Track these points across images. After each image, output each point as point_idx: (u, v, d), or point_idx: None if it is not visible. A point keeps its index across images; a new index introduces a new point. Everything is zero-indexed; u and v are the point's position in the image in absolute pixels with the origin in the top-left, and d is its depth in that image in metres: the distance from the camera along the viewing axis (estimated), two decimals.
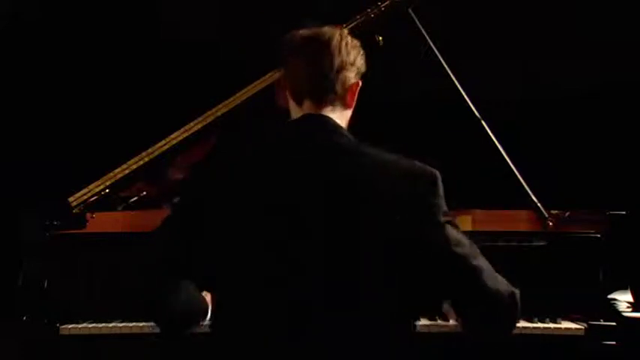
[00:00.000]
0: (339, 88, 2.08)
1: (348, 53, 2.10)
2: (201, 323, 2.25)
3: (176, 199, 2.21)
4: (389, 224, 1.95)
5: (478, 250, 2.02)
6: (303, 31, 2.13)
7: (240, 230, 2.00)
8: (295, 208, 1.97)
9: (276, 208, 1.98)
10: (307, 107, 2.11)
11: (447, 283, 2.01)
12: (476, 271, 1.98)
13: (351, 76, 2.10)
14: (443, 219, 1.98)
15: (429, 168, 2.01)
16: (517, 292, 2.03)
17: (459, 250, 1.97)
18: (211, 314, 2.24)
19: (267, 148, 2.10)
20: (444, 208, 1.99)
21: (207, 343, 2.16)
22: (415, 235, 1.95)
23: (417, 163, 2.01)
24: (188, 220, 2.06)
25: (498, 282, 2.01)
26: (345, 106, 2.13)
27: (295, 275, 1.96)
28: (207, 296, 2.35)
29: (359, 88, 2.14)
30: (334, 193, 1.97)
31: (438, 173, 2.00)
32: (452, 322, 2.87)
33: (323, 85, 2.08)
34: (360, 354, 1.97)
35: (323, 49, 2.08)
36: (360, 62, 2.13)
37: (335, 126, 2.08)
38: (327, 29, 2.12)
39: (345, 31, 2.14)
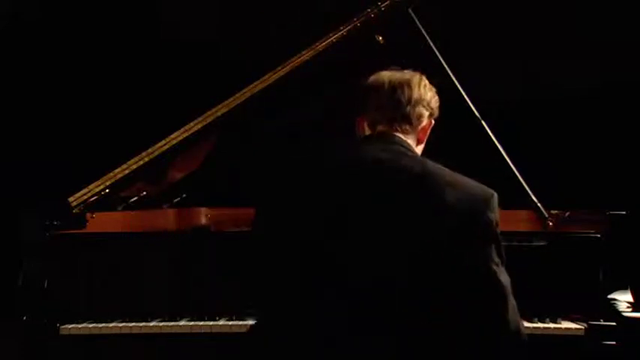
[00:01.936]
0: (413, 120, 2.25)
1: (425, 92, 2.28)
2: None
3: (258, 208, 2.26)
4: (444, 237, 2.03)
5: (510, 289, 2.08)
6: (385, 72, 2.30)
7: (300, 238, 2.10)
8: (360, 218, 2.06)
9: (340, 218, 2.07)
10: (380, 129, 2.26)
11: (473, 299, 2.06)
12: (504, 299, 2.06)
13: (425, 114, 2.27)
14: (488, 242, 2.06)
15: (487, 189, 2.12)
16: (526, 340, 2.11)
17: (497, 270, 2.05)
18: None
19: (337, 160, 2.20)
20: (492, 234, 2.07)
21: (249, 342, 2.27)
22: (464, 251, 2.04)
23: (477, 184, 2.12)
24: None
25: (518, 321, 2.09)
26: (417, 141, 2.29)
27: (349, 283, 2.04)
28: None
29: (431, 127, 2.30)
30: (396, 208, 2.06)
31: (495, 195, 2.11)
32: None
33: (399, 113, 2.24)
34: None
35: (403, 84, 2.25)
36: (435, 105, 2.30)
37: (402, 143, 2.21)
38: (408, 71, 2.30)
39: (424, 76, 2.31)
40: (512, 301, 2.08)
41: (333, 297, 2.04)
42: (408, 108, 2.24)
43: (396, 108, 2.24)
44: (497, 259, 2.06)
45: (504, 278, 2.07)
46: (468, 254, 2.04)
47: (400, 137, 2.22)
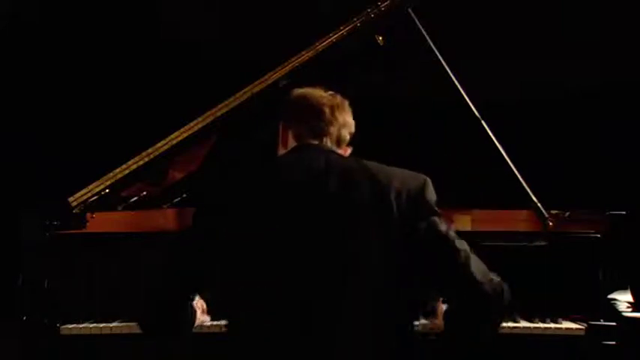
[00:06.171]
0: (341, 142, 2.35)
1: (351, 118, 2.37)
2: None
3: (196, 207, 2.31)
4: (389, 222, 2.14)
5: (467, 246, 2.19)
6: (319, 91, 2.38)
7: (256, 239, 2.16)
8: (304, 216, 2.15)
9: (286, 216, 2.16)
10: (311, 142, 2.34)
11: (437, 266, 2.17)
12: (464, 254, 2.16)
13: (347, 139, 2.37)
14: (432, 213, 2.20)
15: (420, 174, 2.25)
16: (504, 284, 2.18)
17: (446, 233, 2.18)
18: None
19: (277, 164, 2.32)
20: (434, 206, 2.21)
21: (222, 342, 2.32)
22: (409, 228, 2.15)
23: (410, 171, 2.25)
24: (207, 231, 2.22)
25: (488, 271, 2.17)
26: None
27: (306, 279, 2.11)
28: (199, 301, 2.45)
29: (349, 152, 2.39)
30: (340, 200, 2.15)
31: (428, 178, 2.24)
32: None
33: (334, 132, 2.33)
34: (366, 353, 2.11)
35: (340, 106, 2.35)
36: (352, 132, 2.38)
37: (331, 149, 2.32)
38: (332, 93, 2.38)
39: (339, 96, 2.39)
40: (475, 260, 2.16)
41: (295, 290, 2.11)
42: (342, 130, 2.34)
43: (331, 127, 2.32)
44: (443, 224, 2.18)
45: (466, 248, 2.17)
46: (415, 227, 2.15)
47: (325, 144, 2.32)
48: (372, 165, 2.23)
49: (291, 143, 2.34)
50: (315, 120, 2.32)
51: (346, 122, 2.35)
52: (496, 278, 2.18)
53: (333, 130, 2.32)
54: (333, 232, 2.12)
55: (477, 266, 2.16)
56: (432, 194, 2.22)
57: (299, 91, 2.39)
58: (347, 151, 2.39)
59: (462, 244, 2.19)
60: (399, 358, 2.16)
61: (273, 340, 2.10)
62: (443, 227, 2.19)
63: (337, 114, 2.33)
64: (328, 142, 2.32)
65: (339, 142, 2.34)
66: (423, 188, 2.20)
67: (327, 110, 2.32)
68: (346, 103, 2.38)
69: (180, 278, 2.28)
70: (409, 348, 2.19)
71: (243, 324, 2.16)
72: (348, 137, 2.37)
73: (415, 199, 2.18)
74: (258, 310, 2.13)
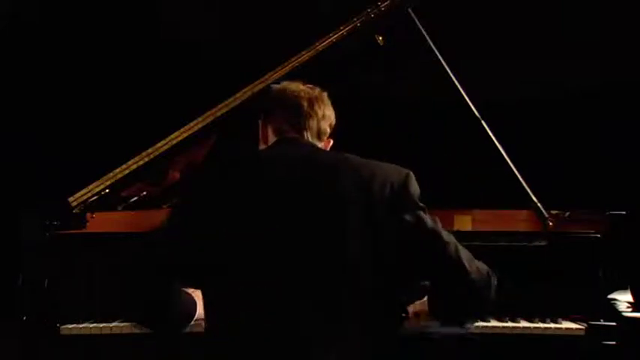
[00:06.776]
0: (322, 135, 2.35)
1: (331, 110, 2.37)
2: (192, 321, 2.44)
3: (176, 202, 2.31)
4: (375, 216, 2.14)
5: (453, 237, 2.21)
6: (298, 84, 2.38)
7: (237, 230, 2.15)
8: (288, 210, 2.13)
9: (269, 211, 2.14)
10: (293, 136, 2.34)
11: (425, 259, 2.18)
12: (453, 246, 2.18)
13: (328, 132, 2.37)
14: (417, 207, 2.20)
15: (403, 168, 2.25)
16: (491, 272, 2.22)
17: (434, 226, 2.18)
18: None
19: (260, 159, 2.30)
20: (418, 200, 2.21)
21: (202, 341, 2.28)
22: (395, 222, 2.14)
23: (393, 165, 2.24)
24: (189, 224, 2.22)
25: (475, 260, 2.20)
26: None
27: (301, 276, 2.10)
28: (196, 293, 2.43)
29: (329, 148, 2.40)
30: (326, 195, 2.14)
31: (410, 172, 2.24)
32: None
33: (314, 126, 2.33)
34: (361, 351, 2.10)
35: (319, 98, 2.35)
36: (333, 124, 2.38)
37: (312, 142, 2.32)
38: (311, 86, 2.38)
39: (318, 89, 2.39)
40: (464, 251, 2.19)
41: (288, 281, 2.10)
42: (322, 123, 2.33)
43: (311, 120, 2.32)
44: (429, 219, 2.19)
45: (453, 240, 2.19)
46: (401, 220, 2.15)
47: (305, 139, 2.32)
48: (354, 158, 2.22)
49: (272, 139, 2.33)
50: (294, 114, 2.31)
51: (325, 115, 2.34)
52: (483, 267, 2.21)
53: (313, 123, 2.32)
54: (326, 228, 2.11)
55: (465, 256, 2.19)
56: (415, 188, 2.22)
57: (277, 86, 2.40)
58: (328, 144, 2.38)
59: (449, 236, 2.21)
60: (394, 355, 2.16)
61: (266, 339, 2.10)
62: (429, 221, 2.20)
63: (316, 107, 2.32)
64: (308, 136, 2.31)
65: (319, 135, 2.33)
66: (406, 181, 2.20)
67: (305, 104, 2.31)
68: (325, 95, 2.37)
69: (171, 276, 2.28)
70: (404, 346, 2.20)
71: (235, 323, 2.14)
72: (328, 130, 2.36)
73: (399, 193, 2.17)
74: (251, 309, 2.12)
